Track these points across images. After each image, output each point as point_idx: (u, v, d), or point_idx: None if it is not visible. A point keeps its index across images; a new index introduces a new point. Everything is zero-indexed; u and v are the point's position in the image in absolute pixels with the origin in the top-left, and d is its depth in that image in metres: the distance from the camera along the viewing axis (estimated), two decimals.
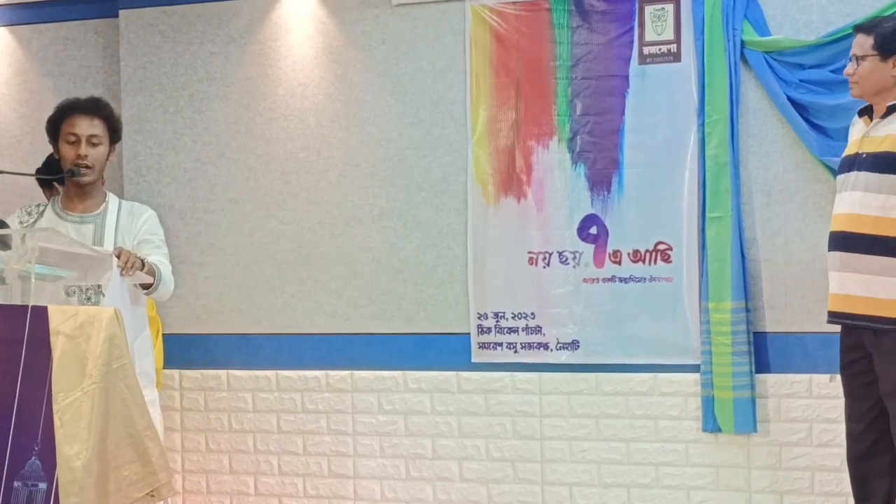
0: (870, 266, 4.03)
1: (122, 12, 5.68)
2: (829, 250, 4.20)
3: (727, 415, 4.82)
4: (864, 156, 4.08)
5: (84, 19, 5.90)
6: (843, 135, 4.37)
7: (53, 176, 4.66)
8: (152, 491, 3.62)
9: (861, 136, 4.15)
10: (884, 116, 4.09)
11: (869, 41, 4.09)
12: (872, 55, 4.08)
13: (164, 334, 5.45)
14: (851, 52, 4.16)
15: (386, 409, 5.34)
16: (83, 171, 4.27)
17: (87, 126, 4.29)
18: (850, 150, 4.22)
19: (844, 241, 4.10)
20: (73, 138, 4.28)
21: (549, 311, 5.11)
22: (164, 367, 5.41)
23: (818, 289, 4.67)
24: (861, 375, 4.17)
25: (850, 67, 4.16)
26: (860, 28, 4.19)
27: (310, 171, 5.45)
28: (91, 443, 3.39)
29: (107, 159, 4.38)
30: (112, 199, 4.44)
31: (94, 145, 4.30)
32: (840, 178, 4.22)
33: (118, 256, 4.00)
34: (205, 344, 5.58)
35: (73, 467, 3.34)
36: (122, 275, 4.01)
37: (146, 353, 4.43)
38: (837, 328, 4.27)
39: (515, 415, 5.18)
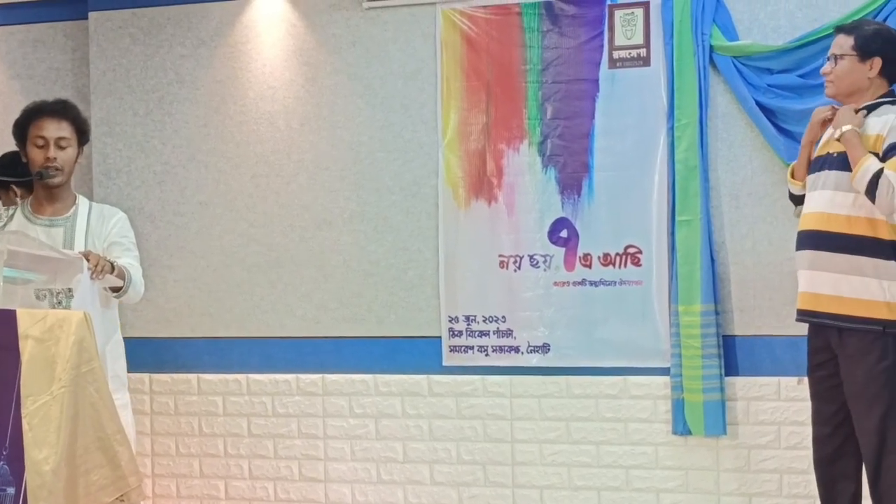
0: (839, 265, 4.06)
1: (91, 14, 5.66)
2: (798, 249, 4.22)
3: (697, 417, 4.85)
4: (835, 155, 4.12)
5: (53, 21, 5.86)
6: None
7: (20, 179, 4.63)
8: (122, 495, 3.60)
9: (831, 137, 4.19)
10: None
11: (849, 41, 4.12)
12: (851, 55, 4.11)
13: (133, 338, 5.41)
14: (830, 52, 4.19)
15: (357, 413, 5.34)
16: (52, 173, 4.25)
17: (54, 129, 4.27)
18: (820, 150, 4.26)
19: (815, 240, 4.13)
20: (41, 142, 4.26)
21: (519, 315, 5.12)
22: (131, 371, 5.38)
23: (786, 291, 4.70)
24: (828, 378, 4.19)
25: (827, 66, 4.20)
26: (841, 29, 4.22)
27: (280, 174, 5.44)
28: (60, 447, 3.37)
29: (75, 161, 4.37)
30: (82, 202, 4.43)
31: (63, 148, 4.29)
32: (810, 177, 4.25)
33: (87, 259, 3.99)
34: (175, 347, 5.56)
35: (42, 472, 3.32)
36: (91, 278, 4.00)
37: (118, 357, 4.42)
38: (805, 331, 4.30)
39: (486, 418, 5.18)
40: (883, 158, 3.96)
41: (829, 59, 4.20)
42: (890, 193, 3.87)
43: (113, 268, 4.13)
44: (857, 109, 4.10)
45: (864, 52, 4.11)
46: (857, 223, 4.05)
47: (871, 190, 3.91)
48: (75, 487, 3.45)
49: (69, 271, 4.00)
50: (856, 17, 4.55)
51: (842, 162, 4.07)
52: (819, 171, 4.19)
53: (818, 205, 4.15)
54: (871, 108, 4.12)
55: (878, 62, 4.11)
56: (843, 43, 4.15)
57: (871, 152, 3.99)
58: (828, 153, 4.17)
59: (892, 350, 4.02)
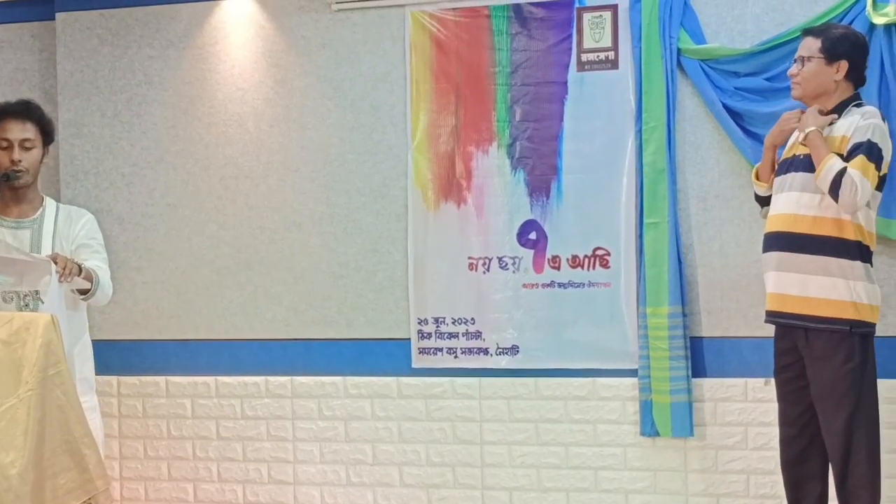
0: (805, 266, 4.09)
1: (58, 15, 5.62)
2: (765, 251, 4.26)
3: (665, 419, 4.87)
4: (801, 157, 4.16)
5: (20, 22, 5.81)
6: None
7: None
8: (90, 499, 3.59)
9: (797, 139, 4.22)
10: None
11: (817, 44, 4.16)
12: (819, 58, 4.15)
13: (101, 340, 5.39)
14: (798, 54, 4.23)
15: (326, 415, 5.33)
16: (18, 175, 4.23)
17: (18, 130, 4.26)
18: (786, 153, 4.30)
19: (782, 241, 4.17)
20: (5, 144, 4.25)
21: (488, 317, 5.13)
22: (99, 374, 5.35)
23: (753, 293, 4.73)
24: (794, 380, 4.23)
25: (794, 68, 4.23)
26: (809, 31, 4.26)
27: (249, 175, 5.43)
28: (27, 450, 3.36)
29: (41, 162, 4.36)
30: (49, 204, 4.41)
31: (28, 149, 4.27)
32: (777, 180, 4.29)
33: (54, 262, 3.97)
34: (143, 350, 5.54)
35: (9, 475, 3.31)
36: (59, 281, 3.98)
37: (86, 359, 4.41)
38: (771, 332, 4.33)
39: (456, 420, 5.19)
40: (847, 158, 4.00)
41: (796, 60, 4.23)
42: (853, 192, 3.91)
43: (80, 270, 4.12)
44: (824, 111, 4.14)
45: (831, 54, 4.15)
46: (823, 224, 4.08)
47: (835, 189, 3.95)
48: (42, 491, 3.43)
49: (36, 274, 3.99)
50: (822, 21, 4.59)
51: (808, 164, 4.11)
52: (786, 173, 4.23)
53: (785, 206, 4.19)
54: (835, 111, 4.16)
55: (844, 65, 4.15)
56: (811, 45, 4.18)
57: (836, 153, 4.04)
58: (794, 155, 4.22)
59: (858, 351, 4.06)
